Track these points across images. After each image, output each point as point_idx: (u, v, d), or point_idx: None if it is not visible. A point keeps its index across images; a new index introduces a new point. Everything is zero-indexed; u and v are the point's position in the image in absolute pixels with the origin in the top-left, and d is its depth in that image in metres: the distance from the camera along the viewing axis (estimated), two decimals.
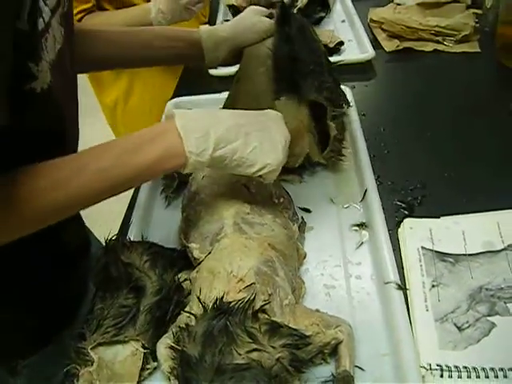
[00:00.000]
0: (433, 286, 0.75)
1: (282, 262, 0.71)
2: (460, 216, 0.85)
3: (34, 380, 0.84)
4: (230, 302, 0.62)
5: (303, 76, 0.90)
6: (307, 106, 0.92)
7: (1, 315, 0.82)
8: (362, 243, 0.83)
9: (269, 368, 0.58)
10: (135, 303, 0.71)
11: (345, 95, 1.02)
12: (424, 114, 1.11)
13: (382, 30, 1.36)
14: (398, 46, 1.33)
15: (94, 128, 1.96)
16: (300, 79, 0.90)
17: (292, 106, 0.93)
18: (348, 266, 0.80)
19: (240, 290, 0.65)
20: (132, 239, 0.88)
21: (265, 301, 0.64)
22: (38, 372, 0.72)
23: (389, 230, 0.84)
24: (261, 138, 0.73)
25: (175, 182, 0.95)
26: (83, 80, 1.52)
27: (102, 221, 1.04)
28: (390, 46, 1.33)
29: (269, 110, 0.81)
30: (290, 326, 0.63)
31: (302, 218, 0.89)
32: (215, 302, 0.62)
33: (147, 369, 0.69)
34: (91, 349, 0.66)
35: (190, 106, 1.20)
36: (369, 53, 1.28)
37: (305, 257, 0.81)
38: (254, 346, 0.59)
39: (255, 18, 1.01)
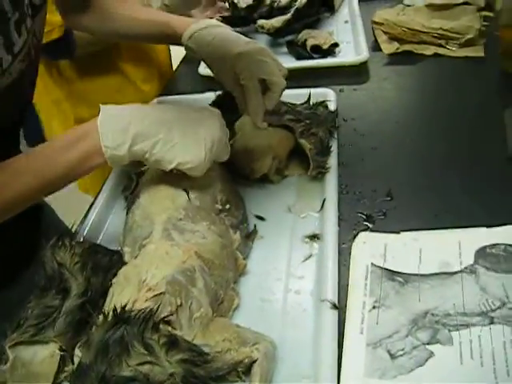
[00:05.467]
0: (373, 307, 0.69)
1: (206, 273, 0.68)
2: (420, 232, 0.79)
3: None
4: (132, 311, 0.59)
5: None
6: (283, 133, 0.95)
7: None
8: (311, 256, 0.79)
9: (158, 382, 0.54)
10: (60, 305, 0.70)
11: (328, 113, 1.01)
12: (410, 122, 1.05)
13: (384, 32, 1.30)
14: (397, 49, 1.26)
15: None
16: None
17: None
18: (290, 279, 0.76)
19: (147, 299, 0.61)
20: (84, 238, 0.86)
21: (171, 312, 0.61)
22: None
23: (343, 244, 0.80)
24: (184, 135, 0.73)
25: (133, 184, 0.92)
26: None
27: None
28: (389, 48, 1.27)
29: (206, 107, 0.82)
30: (196, 340, 0.60)
31: (255, 226, 0.85)
32: (114, 311, 0.59)
33: (65, 371, 0.67)
34: (9, 347, 0.65)
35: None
36: (361, 55, 1.23)
37: (244, 267, 0.77)
38: (148, 359, 0.55)
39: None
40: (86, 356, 0.57)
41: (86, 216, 0.92)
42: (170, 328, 0.59)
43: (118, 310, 0.59)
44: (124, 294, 0.63)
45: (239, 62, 0.82)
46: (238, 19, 1.43)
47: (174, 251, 0.68)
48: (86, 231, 0.88)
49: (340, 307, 0.69)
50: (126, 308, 0.60)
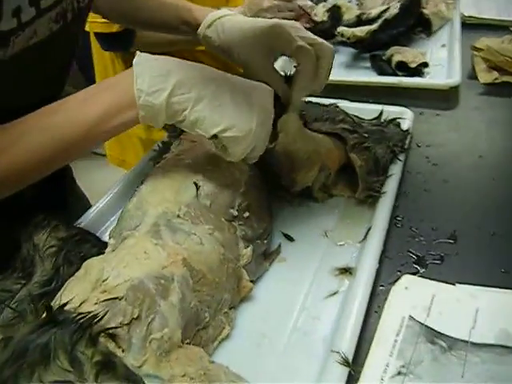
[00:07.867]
0: (398, 373, 0.52)
1: (189, 287, 0.53)
2: (481, 288, 0.61)
3: None
4: (72, 313, 0.45)
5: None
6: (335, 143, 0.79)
7: None
8: (336, 293, 0.63)
9: None
10: (20, 290, 0.58)
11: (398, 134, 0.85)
12: (495, 160, 0.86)
13: (484, 60, 1.12)
14: (495, 79, 1.07)
15: None
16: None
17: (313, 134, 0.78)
18: (302, 316, 0.60)
19: (97, 302, 0.47)
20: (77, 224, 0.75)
21: (121, 324, 0.46)
22: None
23: (381, 286, 0.63)
24: (234, 97, 0.60)
25: None
26: None
27: None
28: (486, 77, 1.08)
29: (260, 83, 0.66)
30: (144, 368, 0.45)
31: (279, 245, 0.70)
32: (48, 308, 0.45)
33: None
34: None
35: None
36: (453, 79, 1.05)
37: (249, 291, 0.62)
38: (70, 378, 0.41)
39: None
40: (2, 355, 0.44)
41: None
42: (113, 345, 0.45)
43: (53, 310, 0.45)
44: (74, 290, 0.50)
45: (275, 33, 0.71)
46: (321, 31, 1.28)
47: (155, 251, 0.54)
48: (89, 218, 0.77)
49: (355, 365, 0.52)
50: (67, 307, 0.46)
